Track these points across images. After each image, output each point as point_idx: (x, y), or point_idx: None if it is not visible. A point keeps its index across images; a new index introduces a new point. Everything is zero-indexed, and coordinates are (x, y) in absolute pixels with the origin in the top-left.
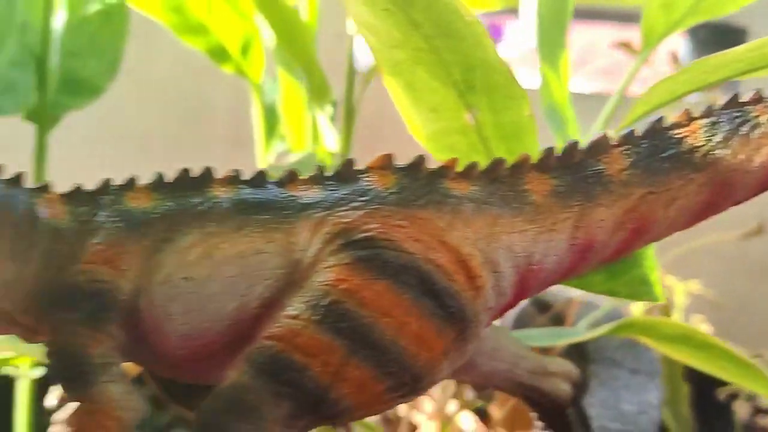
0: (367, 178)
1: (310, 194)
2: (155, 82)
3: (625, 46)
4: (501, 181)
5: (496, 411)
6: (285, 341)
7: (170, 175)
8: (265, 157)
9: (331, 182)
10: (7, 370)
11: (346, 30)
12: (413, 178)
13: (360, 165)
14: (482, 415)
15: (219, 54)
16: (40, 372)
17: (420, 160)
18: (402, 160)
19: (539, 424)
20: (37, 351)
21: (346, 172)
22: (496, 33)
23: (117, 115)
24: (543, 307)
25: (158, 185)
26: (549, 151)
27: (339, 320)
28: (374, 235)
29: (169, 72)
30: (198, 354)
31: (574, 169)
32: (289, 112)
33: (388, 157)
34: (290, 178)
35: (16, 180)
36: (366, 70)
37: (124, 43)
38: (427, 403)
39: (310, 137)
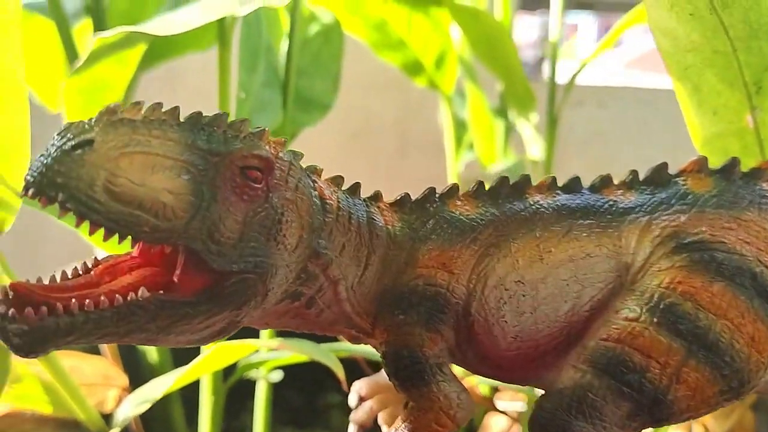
0: (683, 182)
1: (628, 198)
2: None
3: None
4: None
5: (716, 427)
6: (625, 343)
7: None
8: (455, 166)
9: (645, 186)
10: (250, 374)
11: (549, 38)
12: (729, 180)
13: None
14: None
15: (413, 68)
16: (277, 376)
17: (734, 162)
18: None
19: None
20: (279, 358)
21: (660, 177)
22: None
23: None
24: None
25: (479, 193)
26: None
27: (678, 322)
28: (706, 238)
29: (340, 90)
30: (526, 356)
31: None
32: (478, 122)
33: (701, 161)
34: (604, 183)
35: (354, 190)
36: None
37: (341, 61)
38: None
39: (502, 147)
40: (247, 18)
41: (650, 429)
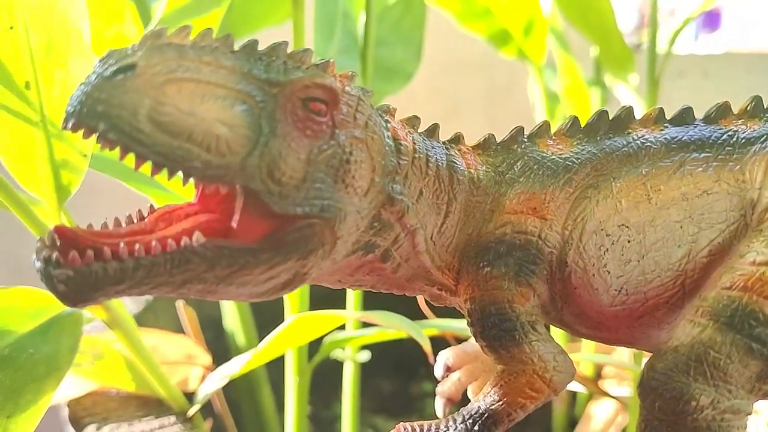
0: None
1: (751, 128)
2: (415, 82)
3: None
4: None
5: None
6: (754, 291)
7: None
8: None
9: None
10: (337, 356)
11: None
12: None
13: None
14: None
15: (500, 38)
16: (365, 356)
17: None
18: None
19: None
20: (366, 335)
21: None
22: (713, 22)
23: None
24: None
25: (574, 130)
26: None
27: None
28: None
29: (427, 73)
30: (632, 311)
31: None
32: (571, 93)
33: None
34: (721, 113)
35: (432, 131)
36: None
37: (424, 31)
38: None
39: None
40: None
41: None
